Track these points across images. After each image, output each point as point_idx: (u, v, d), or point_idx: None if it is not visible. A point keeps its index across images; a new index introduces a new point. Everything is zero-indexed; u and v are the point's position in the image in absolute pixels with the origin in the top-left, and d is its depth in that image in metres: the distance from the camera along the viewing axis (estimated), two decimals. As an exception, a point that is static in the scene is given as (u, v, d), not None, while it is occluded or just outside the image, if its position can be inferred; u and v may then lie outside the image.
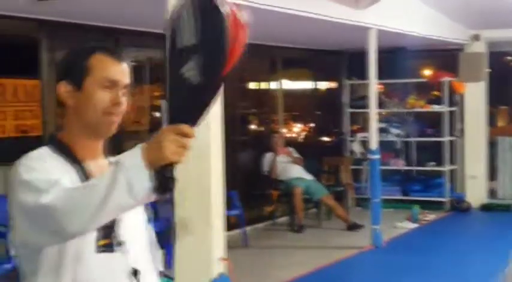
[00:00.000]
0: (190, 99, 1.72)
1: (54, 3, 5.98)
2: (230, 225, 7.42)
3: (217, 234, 5.33)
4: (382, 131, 10.46)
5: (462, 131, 11.26)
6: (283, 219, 10.16)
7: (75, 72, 2.03)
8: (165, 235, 7.04)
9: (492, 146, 11.39)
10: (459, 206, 10.90)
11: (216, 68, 1.70)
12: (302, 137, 12.17)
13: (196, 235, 5.34)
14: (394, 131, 11.50)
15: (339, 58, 11.97)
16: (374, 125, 8.60)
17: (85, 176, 2.00)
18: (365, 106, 9.19)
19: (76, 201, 1.77)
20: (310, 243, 8.97)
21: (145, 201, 1.82)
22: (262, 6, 6.08)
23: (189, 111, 1.74)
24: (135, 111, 8.29)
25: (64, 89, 2.04)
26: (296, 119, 12.21)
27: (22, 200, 1.86)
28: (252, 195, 9.95)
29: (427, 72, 11.86)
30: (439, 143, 11.17)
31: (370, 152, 8.66)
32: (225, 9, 1.69)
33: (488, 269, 7.11)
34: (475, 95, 11.01)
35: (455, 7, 9.35)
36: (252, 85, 11.36)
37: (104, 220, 1.81)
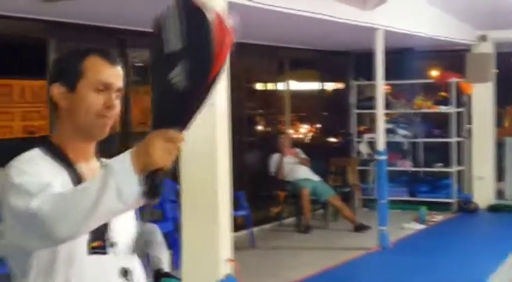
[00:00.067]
0: (178, 104, 1.72)
1: (61, 4, 5.99)
2: (237, 226, 7.42)
3: (225, 235, 5.33)
4: (389, 131, 10.45)
5: (469, 131, 11.23)
6: (290, 220, 10.15)
7: (68, 74, 2.03)
8: (172, 236, 7.05)
9: (500, 146, 11.37)
10: (466, 207, 10.87)
11: (202, 73, 1.70)
12: (309, 137, 12.16)
13: (204, 236, 5.34)
14: (401, 131, 11.48)
15: (346, 59, 11.96)
16: (381, 125, 8.59)
17: (77, 178, 2.00)
18: (372, 107, 9.17)
19: (66, 206, 1.77)
20: (317, 244, 8.96)
21: (135, 206, 1.81)
22: (270, 7, 6.08)
23: (177, 116, 1.74)
24: (141, 112, 8.30)
25: (57, 90, 2.04)
26: (303, 120, 12.20)
27: (13, 203, 1.86)
28: (259, 196, 9.95)
29: (434, 73, 11.83)
30: (447, 144, 11.15)
31: (377, 152, 8.64)
32: (210, 14, 1.69)
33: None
34: (482, 96, 10.99)
35: (462, 8, 9.33)
36: (259, 86, 11.35)
37: (94, 225, 1.81)
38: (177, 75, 1.69)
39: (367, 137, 11.47)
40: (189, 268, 5.38)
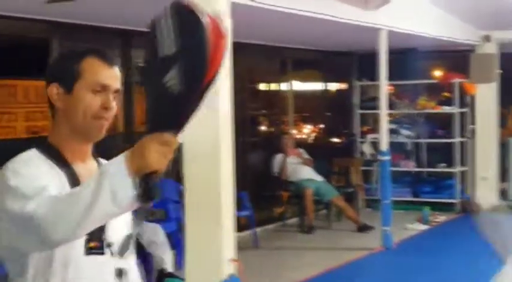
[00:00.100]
0: (173, 107, 1.72)
1: (64, 5, 5.99)
2: (240, 226, 7.42)
3: (228, 235, 5.33)
4: (392, 132, 10.44)
5: (473, 132, 11.21)
6: (293, 221, 10.15)
7: (66, 75, 2.04)
8: (175, 236, 7.06)
9: (503, 147, 11.35)
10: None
11: (197, 76, 1.70)
12: (312, 138, 12.16)
13: (207, 236, 5.34)
14: (405, 132, 11.47)
15: (349, 59, 11.96)
16: (384, 126, 8.58)
17: (74, 178, 2.01)
18: (375, 107, 9.17)
19: (61, 209, 1.78)
20: (320, 245, 8.96)
21: (129, 209, 1.82)
22: (273, 7, 6.08)
23: (172, 119, 1.75)
24: (145, 112, 8.30)
25: (55, 91, 2.05)
26: (306, 120, 12.20)
27: (9, 207, 1.87)
28: (262, 196, 9.95)
29: (438, 73, 11.82)
30: (450, 144, 11.13)
31: (381, 153, 8.64)
32: (204, 17, 1.69)
33: (499, 270, 7.08)
34: (486, 96, 10.97)
35: (465, 8, 9.32)
36: (262, 86, 11.36)
37: (90, 228, 1.81)
38: (172, 79, 1.69)
39: (370, 137, 11.46)
40: (193, 268, 5.38)
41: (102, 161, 2.18)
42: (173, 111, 1.73)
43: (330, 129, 12.27)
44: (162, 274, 6.59)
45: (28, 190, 1.85)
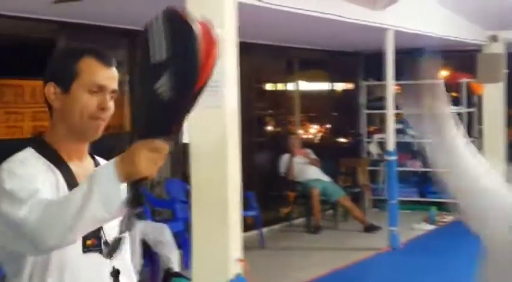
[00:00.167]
0: (163, 114, 1.72)
1: (71, 5, 6.01)
2: (247, 226, 7.42)
3: (234, 235, 5.32)
4: (399, 132, 10.41)
5: (480, 132, 11.19)
6: (300, 221, 10.14)
7: (63, 75, 2.04)
8: (182, 236, 7.06)
9: (510, 147, 11.31)
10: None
11: (188, 83, 1.71)
12: (319, 138, 12.15)
13: (214, 236, 5.34)
14: (411, 132, 11.44)
15: (355, 59, 11.95)
16: (391, 126, 8.57)
17: (70, 177, 2.02)
18: (382, 107, 9.15)
19: (52, 215, 1.79)
20: (326, 245, 8.95)
21: (119, 214, 1.83)
22: (279, 7, 6.08)
23: (163, 125, 1.75)
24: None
25: (52, 90, 2.06)
26: (313, 120, 12.19)
27: (3, 210, 1.87)
28: (268, 196, 9.95)
29: (445, 73, 11.79)
30: (457, 144, 11.09)
31: (387, 153, 8.63)
32: (196, 25, 1.69)
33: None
34: (493, 96, 10.94)
35: (472, 8, 9.30)
36: (269, 86, 11.35)
37: (81, 233, 1.83)
38: (163, 85, 1.69)
39: (377, 137, 11.45)
40: (199, 268, 5.38)
41: (99, 159, 2.19)
42: (164, 117, 1.73)
43: (336, 129, 12.26)
44: (169, 274, 6.59)
45: (22, 193, 1.85)
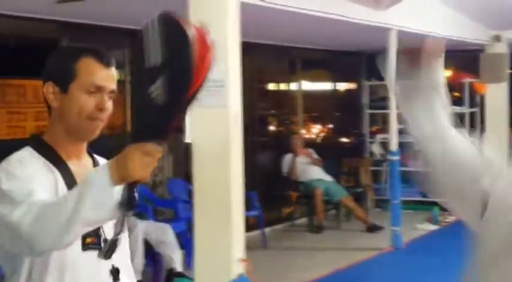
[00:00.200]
0: (157, 118, 1.73)
1: (74, 5, 6.01)
2: (249, 226, 7.41)
3: (237, 235, 5.32)
4: (402, 132, 10.40)
5: (483, 132, 11.17)
6: (302, 221, 10.14)
7: (62, 75, 2.05)
8: (184, 236, 7.06)
9: (513, 147, 11.30)
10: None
11: (182, 88, 1.71)
12: (321, 138, 12.14)
13: (216, 236, 5.34)
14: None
15: (358, 59, 11.94)
16: (394, 126, 8.56)
17: (69, 176, 2.03)
18: (385, 107, 9.15)
19: (46, 218, 1.80)
20: (329, 245, 8.94)
21: (112, 217, 1.83)
22: (282, 7, 6.08)
23: (156, 129, 1.75)
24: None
25: (50, 90, 2.06)
26: (315, 120, 12.19)
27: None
28: (271, 196, 9.94)
29: (448, 73, 11.79)
30: (460, 144, 11.07)
31: (390, 153, 8.62)
32: (190, 29, 1.70)
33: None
34: (496, 96, 10.93)
35: (475, 8, 9.29)
36: (271, 86, 11.36)
37: (74, 235, 1.83)
38: (157, 89, 1.70)
39: (379, 137, 11.43)
40: (202, 268, 5.38)
41: (98, 158, 2.20)
42: (157, 121, 1.74)
43: (339, 129, 12.26)
44: (171, 274, 6.59)
45: (18, 195, 1.86)
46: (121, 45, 7.55)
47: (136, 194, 1.80)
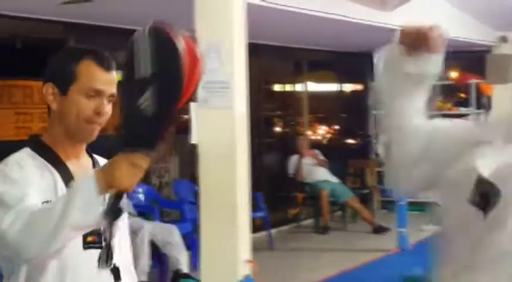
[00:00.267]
0: (146, 128, 1.75)
1: (79, 6, 6.02)
2: (255, 227, 7.40)
3: (243, 236, 5.32)
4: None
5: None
6: (308, 222, 10.13)
7: (62, 76, 2.06)
8: (190, 237, 7.06)
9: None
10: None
11: (171, 100, 1.73)
12: (327, 139, 12.14)
13: (222, 237, 5.34)
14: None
15: (364, 60, 11.91)
16: (400, 127, 8.53)
17: (68, 176, 2.03)
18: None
19: (35, 224, 1.81)
20: (335, 246, 8.93)
21: (97, 225, 1.88)
22: (288, 8, 6.08)
23: (145, 140, 1.77)
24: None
25: (50, 91, 2.07)
26: (321, 121, 12.18)
27: None
28: (277, 197, 9.94)
29: (454, 74, 11.76)
30: (466, 146, 11.06)
31: (396, 154, 8.59)
32: (180, 41, 1.71)
33: None
34: (502, 97, 10.89)
35: (482, 8, 9.27)
36: (277, 87, 11.36)
37: (60, 242, 1.84)
38: (146, 101, 1.72)
39: (385, 138, 11.41)
40: (208, 269, 5.38)
41: (98, 158, 2.21)
42: (146, 132, 1.76)
43: (345, 130, 12.25)
44: (178, 275, 6.59)
45: (11, 198, 1.88)
46: (126, 46, 7.57)
47: (122, 203, 1.82)
